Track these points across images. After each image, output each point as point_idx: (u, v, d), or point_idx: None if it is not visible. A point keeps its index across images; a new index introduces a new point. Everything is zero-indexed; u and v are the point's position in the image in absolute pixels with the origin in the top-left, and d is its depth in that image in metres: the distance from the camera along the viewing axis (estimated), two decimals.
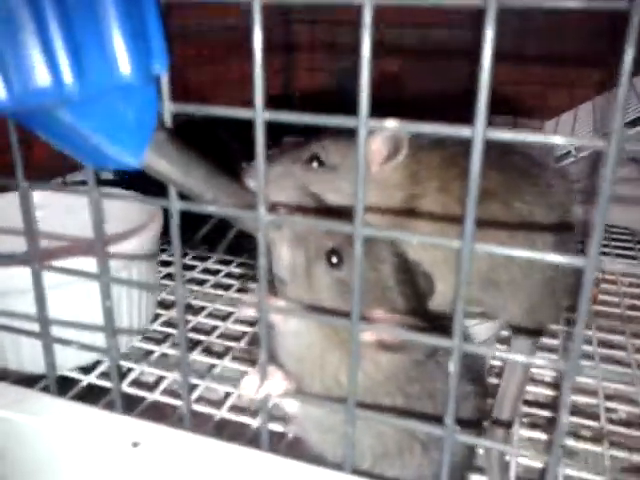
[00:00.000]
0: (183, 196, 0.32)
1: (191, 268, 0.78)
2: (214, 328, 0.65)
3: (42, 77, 0.22)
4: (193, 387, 0.54)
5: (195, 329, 0.65)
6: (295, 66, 1.37)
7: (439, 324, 0.37)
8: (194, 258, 0.81)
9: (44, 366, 0.39)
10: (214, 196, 0.31)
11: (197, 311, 0.68)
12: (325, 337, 0.37)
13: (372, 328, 0.31)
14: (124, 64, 0.24)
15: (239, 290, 0.73)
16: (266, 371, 0.33)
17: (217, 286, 0.74)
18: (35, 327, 0.38)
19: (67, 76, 0.22)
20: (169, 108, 0.30)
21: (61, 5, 0.21)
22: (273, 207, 0.37)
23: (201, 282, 0.75)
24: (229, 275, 0.77)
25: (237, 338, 0.64)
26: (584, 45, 1.18)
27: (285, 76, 1.35)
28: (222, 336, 0.64)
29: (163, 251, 0.79)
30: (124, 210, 0.64)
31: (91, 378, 0.55)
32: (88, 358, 0.56)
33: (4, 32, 0.21)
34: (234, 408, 0.52)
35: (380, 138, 0.45)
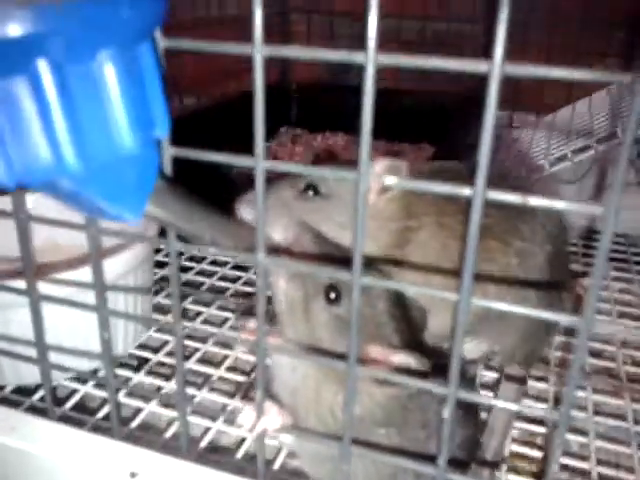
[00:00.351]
0: (181, 236, 0.32)
1: (186, 270, 0.78)
2: (210, 335, 0.65)
3: (43, 156, 0.22)
4: (191, 397, 0.55)
5: (190, 336, 0.66)
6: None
7: (436, 356, 0.38)
8: (190, 259, 0.81)
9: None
10: (213, 237, 0.32)
11: (192, 317, 0.69)
12: (320, 370, 0.38)
13: (369, 372, 0.31)
14: (126, 136, 0.24)
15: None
16: (262, 408, 0.34)
17: (212, 290, 0.74)
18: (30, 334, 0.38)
19: (68, 154, 0.22)
20: (169, 153, 0.30)
21: (62, 83, 0.21)
22: (274, 250, 0.37)
23: (198, 286, 0.75)
24: (224, 278, 0.77)
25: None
26: (584, 39, 1.17)
27: (282, 67, 1.34)
28: (219, 343, 0.64)
29: (158, 251, 0.79)
30: None
31: (88, 388, 0.55)
32: (86, 367, 0.57)
33: (4, 111, 0.21)
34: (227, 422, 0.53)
35: (378, 167, 0.45)
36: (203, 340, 0.64)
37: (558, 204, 0.25)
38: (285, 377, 0.39)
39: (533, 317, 0.50)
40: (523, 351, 0.51)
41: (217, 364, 0.61)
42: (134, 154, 0.25)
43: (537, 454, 0.51)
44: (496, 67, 0.24)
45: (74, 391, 0.55)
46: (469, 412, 0.43)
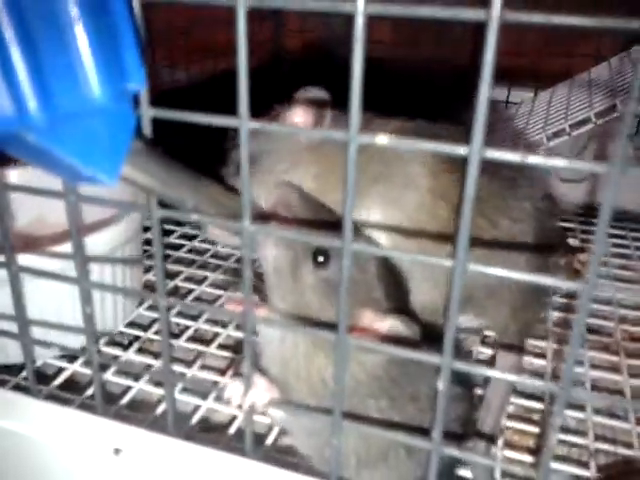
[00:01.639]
0: (164, 203, 0.31)
1: (177, 248, 0.77)
2: (201, 314, 0.64)
3: (3, 106, 0.20)
4: (180, 375, 0.54)
5: (181, 314, 0.65)
6: (285, 28, 1.33)
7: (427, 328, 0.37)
8: (181, 237, 0.80)
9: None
10: (196, 204, 0.30)
11: (183, 296, 0.68)
12: (309, 339, 0.36)
13: (359, 341, 0.30)
14: (94, 86, 0.22)
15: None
16: (250, 381, 0.32)
17: (203, 267, 0.73)
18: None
19: (31, 103, 0.20)
20: (147, 114, 0.28)
21: (22, 26, 0.19)
22: (260, 216, 0.36)
23: (189, 263, 0.74)
24: (216, 256, 0.76)
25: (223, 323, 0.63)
26: (581, 14, 1.15)
27: (275, 38, 1.31)
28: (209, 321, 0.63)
29: (147, 229, 0.77)
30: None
31: (75, 366, 0.54)
32: (73, 344, 0.56)
33: None
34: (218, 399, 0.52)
35: (300, 109, 0.44)
36: (194, 318, 0.63)
37: (559, 162, 0.23)
38: (274, 349, 0.38)
39: (522, 291, 0.50)
40: (516, 325, 0.50)
41: (208, 342, 0.60)
42: (105, 108, 0.23)
43: (533, 429, 0.50)
44: (495, 14, 0.22)
45: (62, 369, 0.54)
46: (464, 387, 0.42)
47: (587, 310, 0.24)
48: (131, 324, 0.62)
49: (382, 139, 0.25)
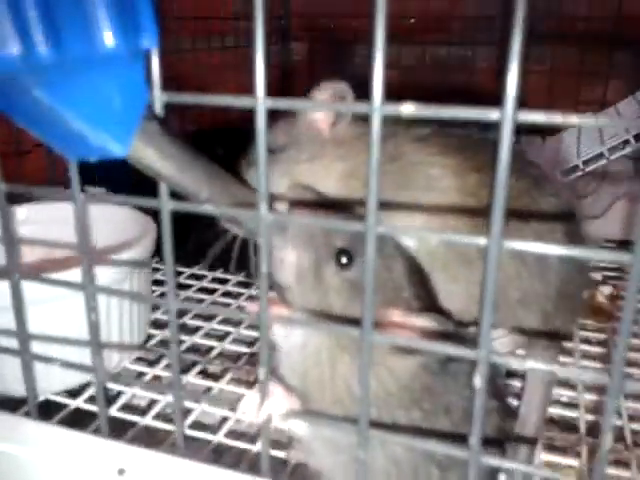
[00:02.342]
0: (176, 196, 0.29)
1: (186, 287, 0.75)
2: (210, 349, 0.62)
3: (10, 44, 0.19)
4: (188, 411, 0.51)
5: (191, 349, 0.62)
6: None
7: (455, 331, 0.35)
8: (190, 277, 0.78)
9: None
10: (210, 194, 0.28)
11: (192, 331, 0.65)
12: (335, 343, 0.34)
13: (386, 338, 0.28)
14: (106, 33, 0.21)
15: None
16: (267, 390, 0.30)
17: (214, 303, 0.71)
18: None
19: (40, 44, 0.19)
20: (160, 97, 0.27)
21: None
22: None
23: (198, 301, 0.72)
24: (227, 294, 0.74)
25: (235, 359, 0.60)
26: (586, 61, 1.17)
27: None
28: (219, 356, 0.60)
29: (156, 270, 0.75)
30: (115, 223, 0.61)
31: (79, 402, 0.51)
32: (74, 381, 0.53)
33: None
34: (232, 433, 0.48)
35: (321, 94, 0.44)
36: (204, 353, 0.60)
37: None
38: (294, 359, 0.35)
39: (553, 296, 0.47)
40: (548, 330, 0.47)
41: (218, 377, 0.57)
42: (116, 63, 0.22)
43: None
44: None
45: (63, 405, 0.51)
46: (499, 400, 0.39)
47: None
48: (136, 360, 0.59)
49: (408, 107, 0.24)
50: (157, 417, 0.50)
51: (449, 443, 0.33)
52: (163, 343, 0.62)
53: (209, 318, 0.67)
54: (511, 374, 0.55)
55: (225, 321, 0.67)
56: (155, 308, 0.68)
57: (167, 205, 0.28)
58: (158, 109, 0.27)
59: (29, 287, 0.34)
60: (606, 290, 0.70)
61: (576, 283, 0.47)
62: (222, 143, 0.70)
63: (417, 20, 1.26)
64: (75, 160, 0.25)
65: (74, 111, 0.22)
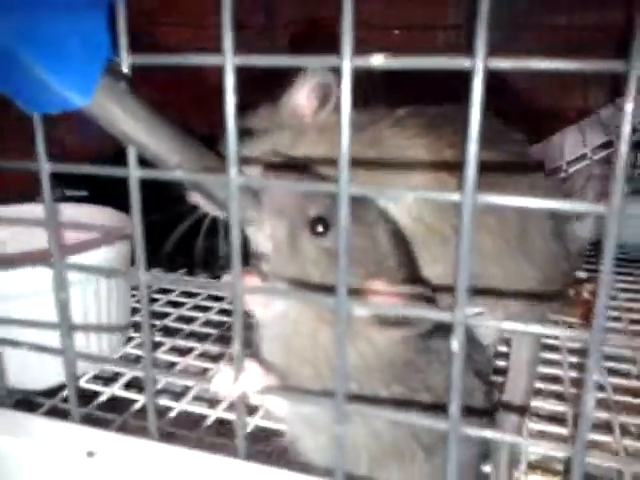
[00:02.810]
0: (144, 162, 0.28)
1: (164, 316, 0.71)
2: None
3: None
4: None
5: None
6: None
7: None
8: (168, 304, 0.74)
9: None
10: (180, 160, 0.28)
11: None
12: (314, 314, 0.33)
13: (362, 306, 0.27)
14: None
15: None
16: (242, 364, 0.29)
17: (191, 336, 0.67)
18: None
19: None
20: (127, 60, 0.26)
21: None
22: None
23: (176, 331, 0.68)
24: (207, 323, 0.70)
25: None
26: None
27: None
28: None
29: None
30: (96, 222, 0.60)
31: (55, 401, 0.50)
32: (52, 381, 0.51)
33: None
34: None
35: (305, 89, 0.44)
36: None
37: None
38: (273, 333, 0.34)
39: (539, 279, 0.46)
40: (532, 315, 0.47)
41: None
42: (77, 10, 0.21)
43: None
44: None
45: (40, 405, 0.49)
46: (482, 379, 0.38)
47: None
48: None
49: (378, 59, 0.23)
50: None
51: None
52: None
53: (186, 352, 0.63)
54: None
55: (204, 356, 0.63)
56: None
57: (135, 173, 0.28)
58: (125, 69, 0.26)
59: None
60: (590, 287, 0.70)
61: (560, 268, 0.47)
62: None
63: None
64: (38, 114, 0.24)
65: (34, 53, 0.21)
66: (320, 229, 0.34)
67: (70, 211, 0.62)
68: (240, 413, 0.29)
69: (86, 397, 0.50)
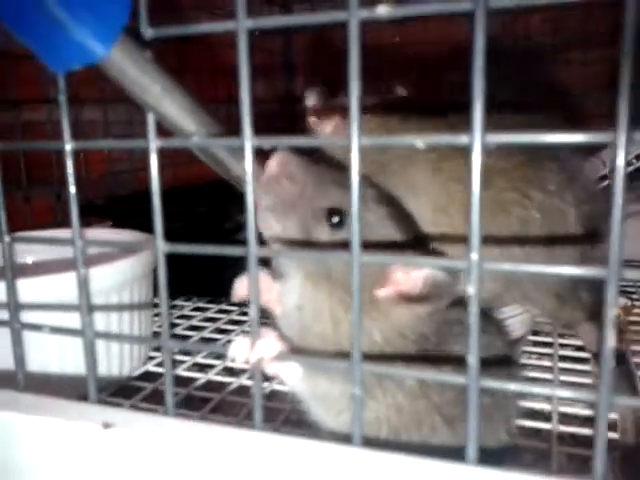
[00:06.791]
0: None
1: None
2: None
3: None
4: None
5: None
6: None
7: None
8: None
9: None
10: (197, 128, 0.29)
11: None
12: (335, 302, 0.33)
13: (375, 259, 0.27)
14: None
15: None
16: (258, 331, 0.29)
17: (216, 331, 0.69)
18: None
19: None
20: (147, 33, 0.28)
21: None
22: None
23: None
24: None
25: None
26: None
27: None
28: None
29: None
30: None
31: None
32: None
33: None
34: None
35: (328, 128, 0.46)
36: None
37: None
38: (291, 319, 0.34)
39: (567, 281, 0.45)
40: (562, 312, 0.45)
41: None
42: None
43: None
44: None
45: None
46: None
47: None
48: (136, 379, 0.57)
49: (383, 9, 0.24)
50: None
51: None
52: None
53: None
54: None
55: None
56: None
57: (154, 143, 0.29)
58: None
59: None
60: (621, 301, 0.68)
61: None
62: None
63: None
64: (61, 71, 0.25)
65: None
66: (336, 220, 0.34)
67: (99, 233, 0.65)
68: (257, 381, 0.29)
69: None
